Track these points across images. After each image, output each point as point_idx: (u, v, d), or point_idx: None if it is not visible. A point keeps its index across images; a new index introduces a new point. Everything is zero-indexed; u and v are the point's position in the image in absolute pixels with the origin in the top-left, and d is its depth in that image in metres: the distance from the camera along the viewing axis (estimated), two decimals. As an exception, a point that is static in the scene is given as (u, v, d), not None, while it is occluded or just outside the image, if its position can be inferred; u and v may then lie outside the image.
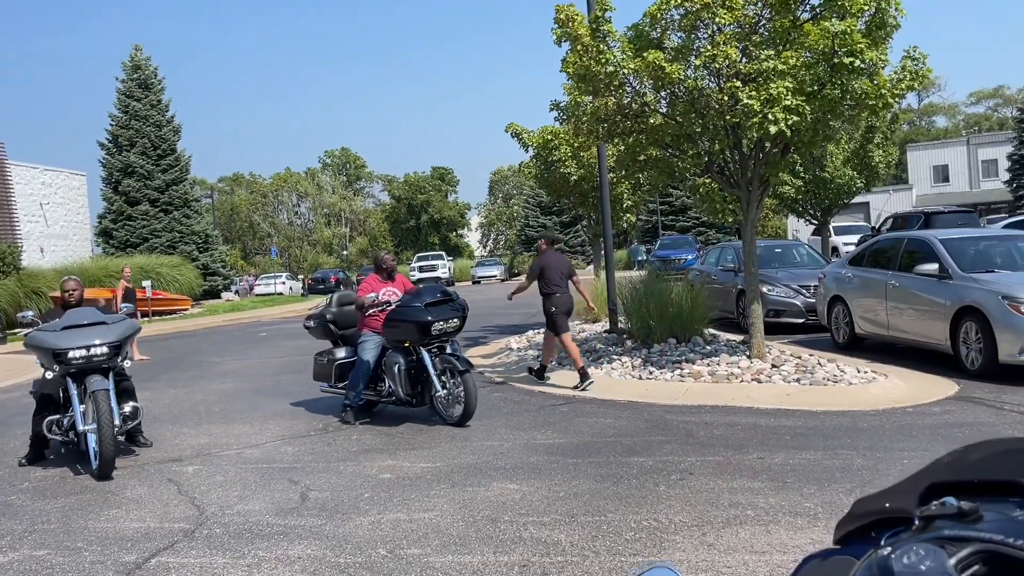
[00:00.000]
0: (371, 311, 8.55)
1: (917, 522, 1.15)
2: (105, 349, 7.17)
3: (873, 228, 29.94)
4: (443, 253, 58.91)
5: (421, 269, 47.36)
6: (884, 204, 46.05)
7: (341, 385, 8.91)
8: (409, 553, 4.74)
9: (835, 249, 27.04)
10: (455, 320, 8.32)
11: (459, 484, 6.12)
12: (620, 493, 5.63)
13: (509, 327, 17.15)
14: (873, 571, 1.00)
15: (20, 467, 7.53)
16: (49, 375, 7.34)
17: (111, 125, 39.43)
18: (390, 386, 8.42)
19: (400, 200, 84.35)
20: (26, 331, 7.62)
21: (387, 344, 8.51)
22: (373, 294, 8.57)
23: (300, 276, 59.29)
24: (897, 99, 8.94)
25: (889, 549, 1.01)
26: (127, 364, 7.71)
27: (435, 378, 8.11)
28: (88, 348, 7.10)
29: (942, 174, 57.36)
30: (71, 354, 7.03)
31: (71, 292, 7.85)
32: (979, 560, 0.94)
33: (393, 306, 8.46)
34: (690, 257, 29.82)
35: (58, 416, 7.39)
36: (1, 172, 31.80)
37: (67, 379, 7.20)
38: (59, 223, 36.02)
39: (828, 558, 1.28)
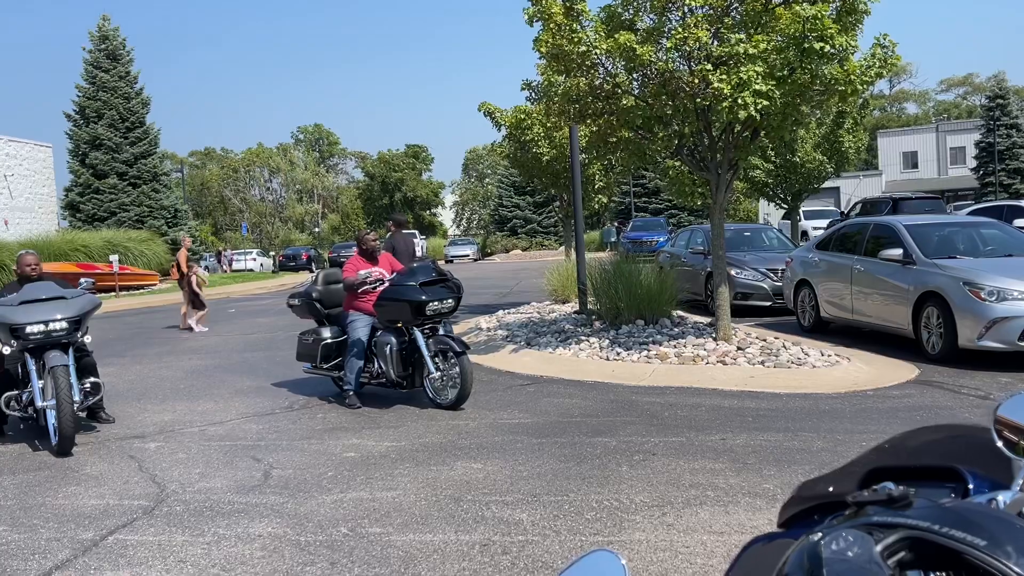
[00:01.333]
0: (361, 290, 8.31)
1: (850, 508, 1.15)
2: (64, 324, 7.07)
3: (842, 213, 30.23)
4: (416, 232, 58.70)
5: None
6: (854, 189, 46.47)
7: (327, 366, 8.64)
8: (370, 532, 4.74)
9: (804, 233, 27.27)
10: (450, 300, 8.06)
11: (423, 463, 6.12)
12: (583, 473, 5.66)
13: (479, 307, 17.13)
14: (803, 557, 1.01)
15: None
16: (7, 350, 7.23)
17: (78, 96, 38.70)
18: (380, 367, 8.14)
19: (374, 178, 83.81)
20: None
21: (378, 324, 8.25)
22: (365, 271, 8.32)
23: (271, 253, 58.83)
24: (866, 85, 8.99)
25: (820, 535, 1.01)
26: (87, 340, 7.61)
27: (429, 360, 7.85)
28: (46, 323, 6.99)
29: (911, 160, 57.97)
30: (28, 329, 6.93)
31: (32, 267, 7.74)
32: (905, 546, 0.94)
33: (385, 285, 8.20)
34: (661, 239, 29.94)
35: (17, 392, 7.29)
36: (-36, 142, 31.18)
37: (25, 354, 7.10)
38: (24, 195, 35.40)
39: (771, 541, 1.29)
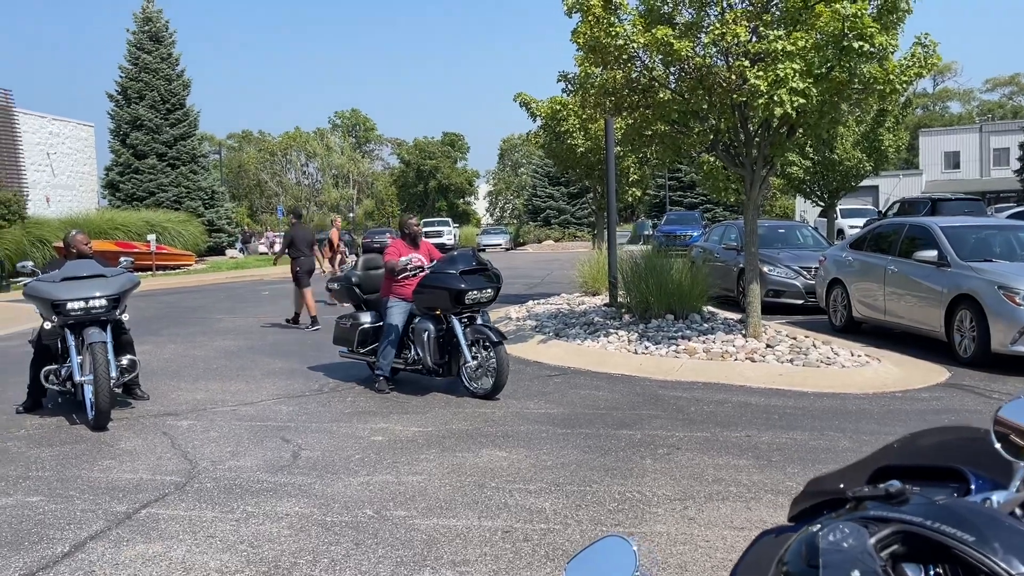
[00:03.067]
0: (402, 276, 8.38)
1: (849, 503, 1.20)
2: (103, 302, 7.24)
3: (880, 212, 29.85)
4: (449, 220, 58.87)
5: (426, 235, 47.30)
6: (893, 188, 45.83)
7: (363, 351, 8.72)
8: (395, 515, 4.82)
9: (841, 232, 26.97)
10: (489, 290, 8.08)
11: (449, 449, 6.20)
12: (606, 465, 5.71)
13: (509, 296, 17.20)
14: (802, 547, 1.06)
15: (17, 414, 7.63)
16: (48, 325, 7.42)
17: (120, 77, 39.25)
18: (416, 354, 8.20)
19: (409, 164, 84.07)
20: (27, 280, 7.69)
21: (416, 311, 8.31)
22: (406, 257, 8.38)
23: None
24: (905, 85, 8.89)
25: (818, 527, 1.06)
26: (126, 317, 7.78)
27: (465, 348, 7.90)
28: (87, 300, 7.16)
29: (953, 160, 56.99)
30: (69, 305, 7.10)
31: (86, 244, 8.03)
32: (898, 539, 0.99)
33: (425, 272, 8.26)
34: (695, 233, 29.77)
35: (56, 366, 7.48)
36: (8, 120, 31.76)
37: (65, 330, 7.28)
38: (66, 173, 36.02)
39: (780, 534, 1.34)
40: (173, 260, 31.02)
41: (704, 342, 9.83)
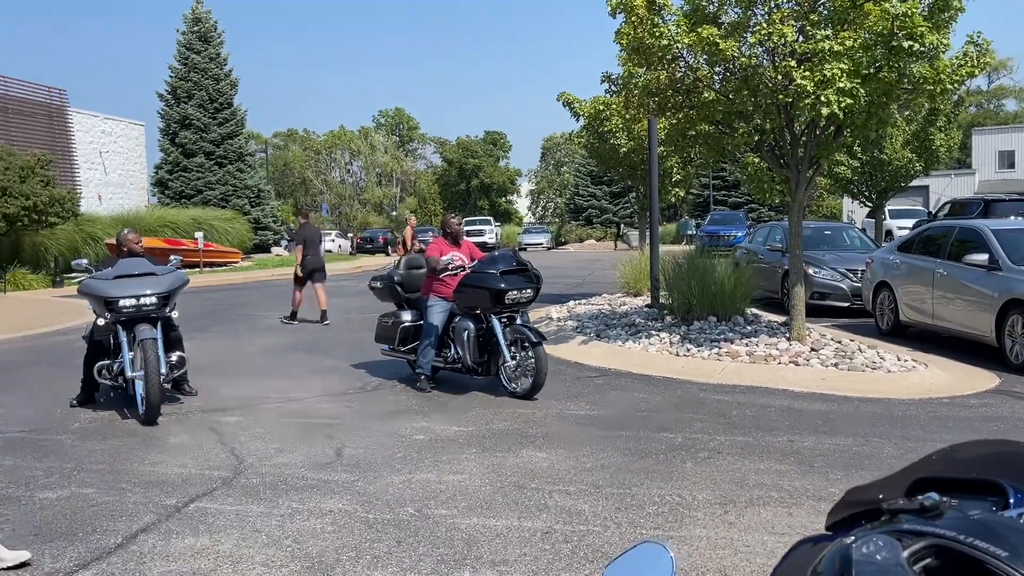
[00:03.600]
0: (443, 275, 8.44)
1: (884, 514, 1.21)
2: (154, 299, 7.41)
3: (930, 213, 29.29)
4: (491, 218, 59.01)
5: (468, 234, 47.45)
6: (944, 188, 44.91)
7: (404, 349, 8.82)
8: (436, 513, 4.88)
9: (889, 233, 26.52)
10: (529, 291, 8.14)
11: (489, 449, 6.25)
12: (646, 467, 5.71)
13: (550, 296, 17.21)
14: (836, 557, 1.08)
15: (71, 408, 7.84)
16: (101, 322, 7.62)
17: (170, 77, 39.98)
18: (456, 353, 8.29)
19: (451, 163, 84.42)
20: (81, 276, 7.91)
21: (456, 310, 8.39)
22: (447, 256, 8.46)
23: (349, 235, 59.84)
24: (957, 85, 8.74)
25: (853, 538, 1.08)
26: (175, 314, 7.95)
27: (505, 348, 7.95)
28: (138, 298, 7.34)
29: (1008, 160, 55.63)
30: (122, 303, 7.29)
31: (137, 242, 8.25)
32: (931, 553, 1.01)
33: (466, 271, 8.34)
34: (739, 234, 29.51)
35: (108, 361, 7.67)
36: (62, 119, 32.51)
37: (117, 326, 7.46)
38: (117, 171, 36.77)
39: (817, 543, 1.35)
40: (220, 257, 31.51)
41: (747, 345, 9.76)
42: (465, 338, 8.14)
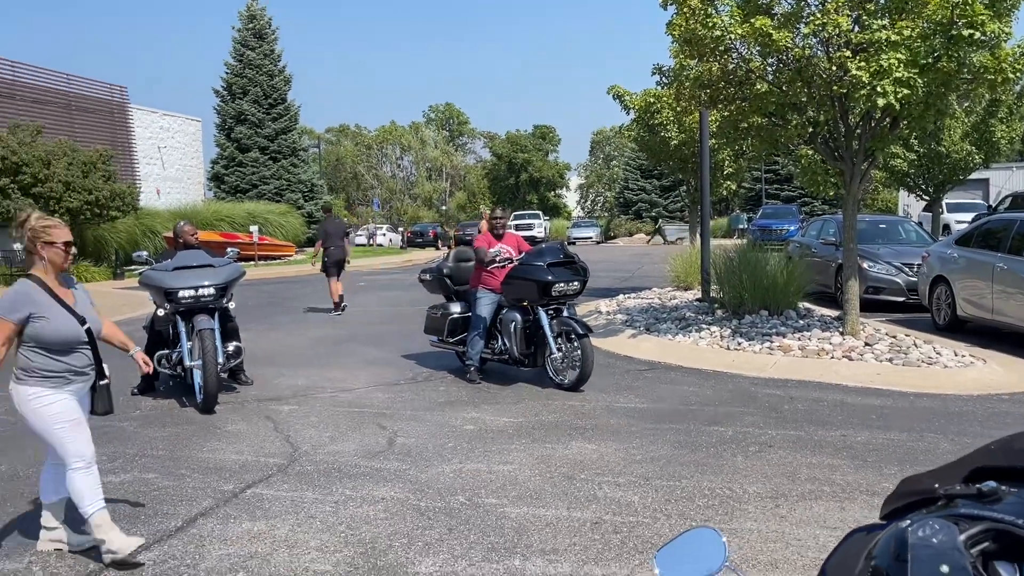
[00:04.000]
0: (491, 267, 8.52)
1: (941, 500, 1.22)
2: (212, 290, 7.59)
3: (990, 207, 28.54)
4: (539, 212, 58.94)
5: (517, 228, 47.52)
6: (1005, 182, 43.66)
7: (452, 340, 8.94)
8: (486, 502, 4.94)
9: (947, 227, 25.90)
10: (575, 283, 8.21)
11: (539, 440, 6.29)
12: (697, 460, 5.70)
13: (600, 290, 17.17)
14: (891, 541, 1.09)
15: (132, 396, 8.07)
16: (161, 312, 7.83)
17: (226, 73, 40.68)
18: (504, 344, 8.40)
19: (501, 157, 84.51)
20: (141, 268, 8.13)
21: (503, 302, 8.49)
22: (496, 249, 8.54)
23: (400, 229, 60.35)
24: (1019, 74, 8.51)
25: (908, 522, 1.09)
26: (232, 306, 8.13)
27: (551, 340, 8.01)
28: (196, 289, 7.53)
29: (1072, 152, 53.93)
30: (181, 293, 7.48)
31: (192, 234, 8.44)
32: (989, 537, 1.02)
33: (514, 264, 8.41)
34: (792, 228, 29.07)
35: (168, 351, 7.88)
36: (123, 115, 33.31)
37: (176, 316, 7.66)
38: (175, 166, 37.56)
39: (871, 532, 1.36)
40: (274, 251, 32.02)
41: (799, 339, 9.66)
42: (512, 330, 8.23)
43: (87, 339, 4.22)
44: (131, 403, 7.81)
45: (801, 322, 10.61)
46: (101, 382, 4.36)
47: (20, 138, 22.94)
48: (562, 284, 8.05)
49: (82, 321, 4.19)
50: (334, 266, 14.82)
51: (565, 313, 8.25)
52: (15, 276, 22.31)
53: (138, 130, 34.22)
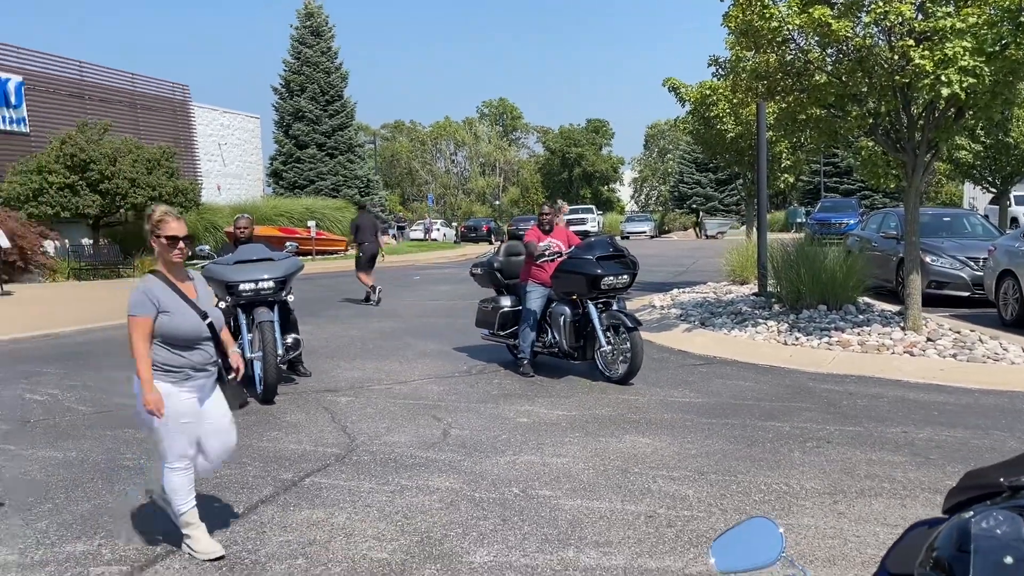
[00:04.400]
0: (541, 261, 8.54)
1: (1004, 492, 1.21)
2: (271, 284, 7.74)
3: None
4: (593, 207, 58.76)
5: (570, 223, 47.39)
6: (1077, 173, 42.14)
7: (503, 333, 9.02)
8: (540, 494, 4.96)
9: (1015, 220, 25.14)
10: (625, 276, 8.22)
11: (592, 434, 6.29)
12: (753, 455, 5.65)
13: (654, 284, 17.06)
14: (953, 532, 1.09)
15: (195, 386, 8.26)
16: (222, 305, 8.00)
17: (284, 71, 41.34)
18: (553, 337, 8.45)
19: (554, 152, 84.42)
20: (203, 263, 8.32)
21: (553, 296, 8.55)
22: (545, 242, 8.58)
23: (454, 223, 60.68)
24: (1092, 61, 8.22)
25: (971, 514, 1.09)
26: (291, 299, 8.28)
27: (600, 333, 8.03)
28: (256, 282, 7.68)
29: None
30: (241, 287, 7.64)
31: (243, 229, 8.55)
32: None
33: (563, 257, 8.45)
34: (852, 221, 28.51)
35: (230, 343, 8.04)
36: (185, 113, 34.05)
37: (237, 309, 7.83)
38: (235, 163, 38.29)
39: (933, 525, 1.35)
40: (331, 245, 32.45)
41: (859, 334, 9.48)
42: (561, 323, 8.28)
43: (209, 334, 4.15)
44: (194, 393, 7.99)
45: (861, 317, 10.41)
46: (229, 376, 4.32)
47: (88, 136, 23.63)
48: (611, 277, 8.06)
49: (203, 315, 4.13)
50: (368, 261, 15.58)
51: (615, 306, 8.26)
52: (84, 270, 23.02)
53: (199, 127, 34.96)
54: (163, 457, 4.13)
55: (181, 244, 4.13)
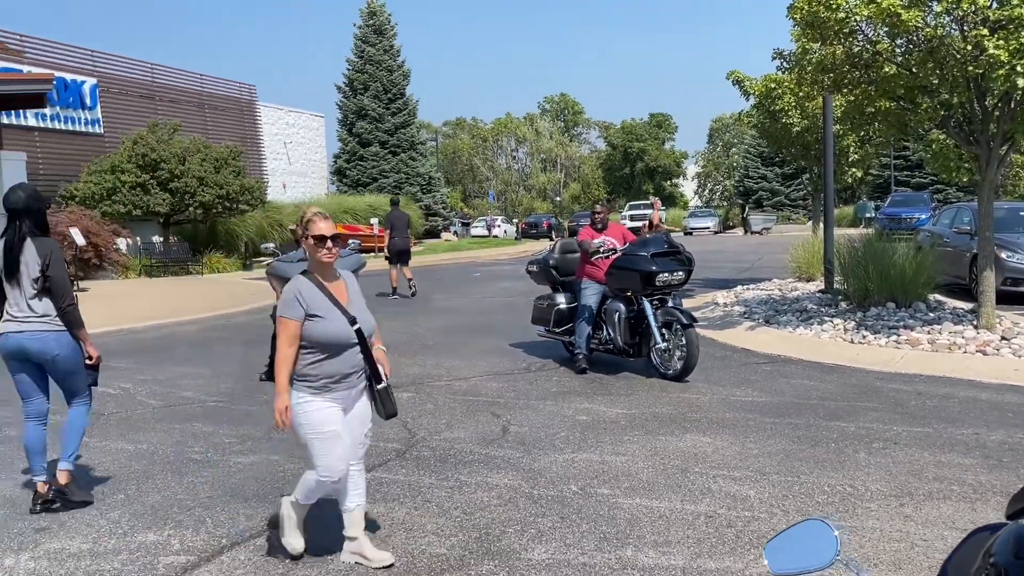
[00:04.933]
0: (595, 258, 8.55)
1: None
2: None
3: None
4: (656, 200, 58.20)
5: (632, 218, 47.07)
6: None
7: (559, 330, 9.04)
8: (599, 492, 4.95)
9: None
10: (680, 273, 8.18)
11: (652, 432, 6.25)
12: (816, 456, 5.54)
13: (717, 281, 16.86)
14: (1010, 538, 1.05)
15: (260, 381, 8.45)
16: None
17: (347, 70, 41.94)
18: (608, 334, 8.44)
19: (615, 147, 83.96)
20: (268, 259, 8.50)
21: (608, 293, 8.53)
22: (600, 239, 8.59)
23: (514, 220, 60.79)
24: None
25: None
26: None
27: (656, 330, 8.00)
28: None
29: None
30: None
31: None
32: None
33: (618, 254, 8.44)
34: (923, 216, 27.73)
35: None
36: (251, 113, 34.77)
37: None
38: (300, 161, 38.96)
39: (995, 531, 1.31)
40: (393, 242, 32.80)
41: (929, 333, 9.23)
42: (616, 320, 8.26)
43: (356, 340, 3.93)
44: (260, 388, 8.18)
45: (931, 315, 10.13)
46: (379, 386, 4.08)
47: (159, 136, 24.30)
48: (666, 274, 8.03)
49: (352, 321, 3.91)
50: (397, 255, 16.21)
51: (670, 303, 8.24)
52: (155, 267, 23.68)
53: (265, 126, 35.67)
54: (311, 466, 3.99)
55: (329, 244, 3.93)
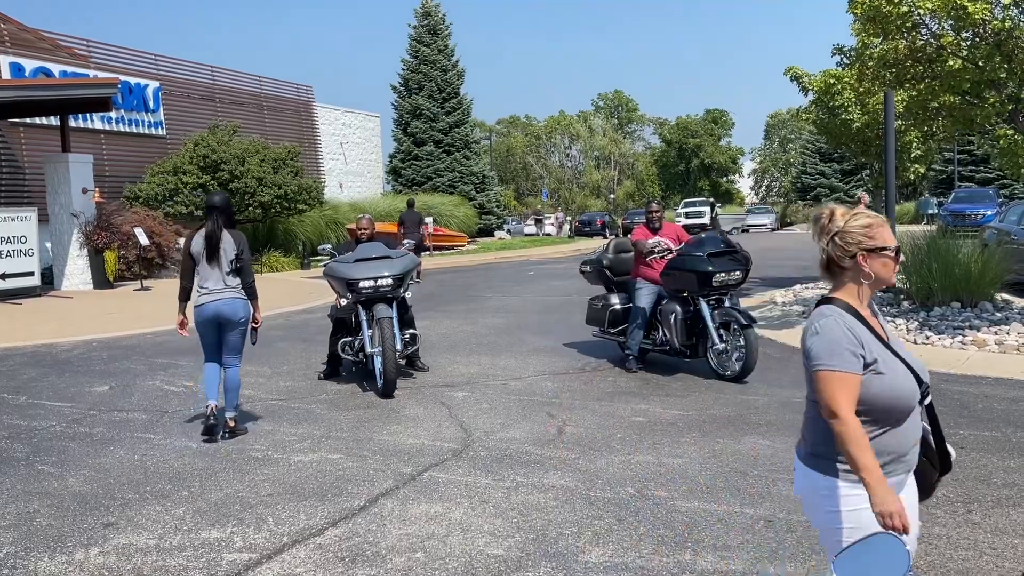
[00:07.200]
0: (650, 259, 8.50)
1: None
2: (390, 281, 7.94)
3: None
4: (712, 200, 57.66)
5: (688, 215, 46.63)
6: None
7: (613, 331, 9.00)
8: (656, 495, 4.92)
9: None
10: (737, 273, 8.09)
11: (710, 434, 6.19)
12: (879, 460, 5.42)
13: (776, 279, 16.61)
14: None
15: (319, 380, 8.58)
16: (343, 301, 8.28)
17: (402, 70, 42.24)
18: (664, 335, 8.37)
19: (670, 144, 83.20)
20: (326, 259, 8.63)
21: (664, 293, 8.48)
22: (655, 239, 8.54)
23: (568, 218, 60.64)
24: None
25: None
26: (408, 295, 8.48)
27: (713, 331, 7.93)
28: (376, 279, 7.89)
29: None
30: (361, 284, 7.87)
31: (364, 230, 8.79)
32: None
33: (673, 254, 8.37)
34: (989, 213, 26.97)
35: (350, 339, 8.31)
36: (309, 113, 35.25)
37: (358, 306, 8.07)
38: (356, 161, 39.38)
39: None
40: (448, 241, 33.01)
41: (996, 333, 8.98)
42: (672, 321, 8.18)
43: (920, 402, 2.56)
44: (318, 387, 8.30)
45: (998, 315, 9.86)
46: (942, 473, 2.76)
47: (219, 138, 24.78)
48: (723, 274, 7.93)
49: (917, 377, 2.53)
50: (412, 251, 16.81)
51: (727, 303, 8.12)
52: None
53: (322, 127, 36.11)
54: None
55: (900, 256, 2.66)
